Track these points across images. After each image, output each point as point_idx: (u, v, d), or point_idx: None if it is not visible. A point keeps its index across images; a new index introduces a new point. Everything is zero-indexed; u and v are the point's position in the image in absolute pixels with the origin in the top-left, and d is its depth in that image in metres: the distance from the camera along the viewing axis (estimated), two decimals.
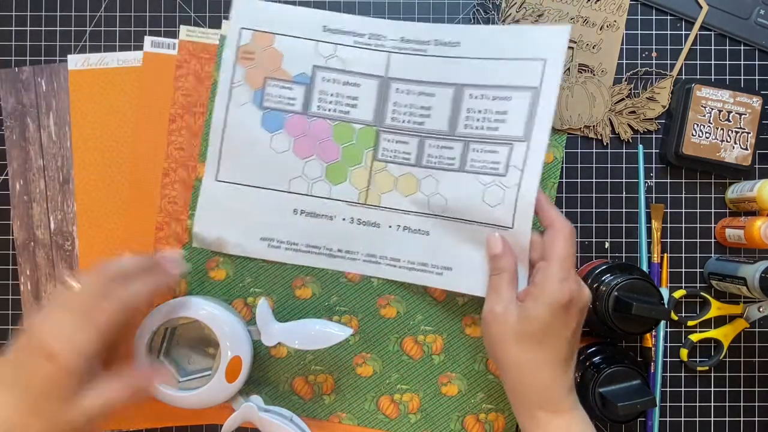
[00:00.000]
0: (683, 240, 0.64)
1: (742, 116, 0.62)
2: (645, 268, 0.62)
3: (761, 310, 0.62)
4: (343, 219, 0.61)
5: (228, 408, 0.58)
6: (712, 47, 0.64)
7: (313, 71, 0.61)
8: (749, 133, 0.62)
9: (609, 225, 0.64)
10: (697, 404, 0.64)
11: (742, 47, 0.64)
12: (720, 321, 0.64)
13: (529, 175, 0.56)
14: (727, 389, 0.64)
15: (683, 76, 0.64)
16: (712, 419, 0.64)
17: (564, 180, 0.64)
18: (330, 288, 0.63)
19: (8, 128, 0.63)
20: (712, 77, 0.64)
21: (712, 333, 0.63)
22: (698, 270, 0.64)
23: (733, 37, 0.64)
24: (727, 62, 0.64)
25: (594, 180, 0.64)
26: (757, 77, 0.64)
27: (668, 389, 0.64)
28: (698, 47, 0.64)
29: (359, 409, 0.63)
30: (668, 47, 0.64)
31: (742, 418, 0.64)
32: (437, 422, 0.63)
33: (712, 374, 0.64)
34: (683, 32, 0.64)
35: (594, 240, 0.64)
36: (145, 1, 0.64)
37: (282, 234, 0.62)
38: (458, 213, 0.59)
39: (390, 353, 0.63)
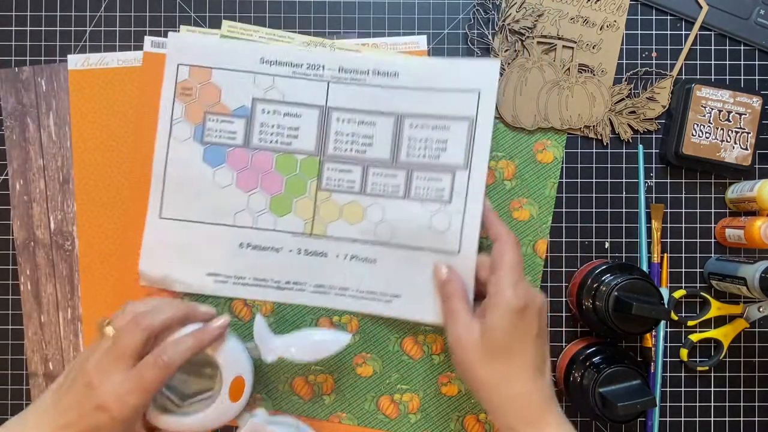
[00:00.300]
0: (683, 240, 0.64)
1: (742, 116, 0.62)
2: (645, 268, 0.62)
3: (761, 310, 0.62)
4: (290, 250, 0.61)
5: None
6: (712, 47, 0.64)
7: (252, 104, 0.61)
8: (749, 133, 0.62)
9: (609, 225, 0.64)
10: (697, 404, 0.64)
11: (742, 47, 0.64)
12: (720, 321, 0.64)
13: (472, 201, 0.58)
14: (727, 389, 0.64)
15: (683, 76, 0.64)
16: (712, 419, 0.64)
17: (564, 180, 0.64)
18: None
19: (8, 128, 0.63)
20: (712, 77, 0.64)
21: (712, 333, 0.63)
22: (698, 270, 0.64)
23: (733, 37, 0.64)
24: (727, 62, 0.64)
25: (594, 180, 0.64)
26: (757, 77, 0.64)
27: (668, 389, 0.64)
28: (698, 47, 0.64)
29: (359, 409, 0.63)
30: (668, 47, 0.64)
31: (742, 418, 0.64)
32: (437, 422, 0.63)
33: (712, 374, 0.64)
34: (683, 32, 0.64)
35: (594, 240, 0.64)
36: (145, 1, 0.64)
37: (229, 269, 0.62)
38: (406, 240, 0.60)
39: (390, 353, 0.63)
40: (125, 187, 0.63)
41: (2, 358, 0.63)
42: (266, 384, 0.63)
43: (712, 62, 0.64)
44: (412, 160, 0.60)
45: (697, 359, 0.64)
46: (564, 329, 0.64)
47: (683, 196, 0.64)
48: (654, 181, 0.64)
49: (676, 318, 0.63)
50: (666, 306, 0.61)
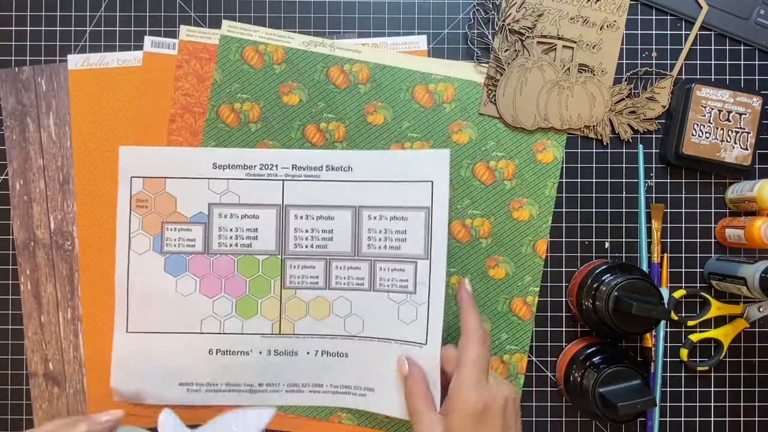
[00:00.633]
0: (683, 240, 0.64)
1: (742, 116, 0.62)
2: (645, 268, 0.62)
3: (761, 310, 0.62)
4: (260, 352, 0.62)
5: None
6: (712, 47, 0.64)
7: (209, 209, 0.61)
8: (749, 133, 0.62)
9: (609, 225, 0.64)
10: (697, 404, 0.64)
11: (742, 47, 0.64)
12: (720, 321, 0.64)
13: (434, 292, 0.59)
14: (727, 389, 0.64)
15: (683, 76, 0.64)
16: (712, 419, 0.64)
17: (564, 180, 0.64)
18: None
19: (8, 128, 0.63)
20: (712, 77, 0.64)
21: (712, 333, 0.63)
22: (698, 270, 0.64)
23: (733, 37, 0.64)
24: (727, 62, 0.64)
25: (594, 180, 0.64)
26: (757, 77, 0.64)
27: (668, 389, 0.64)
28: (698, 47, 0.64)
29: (360, 413, 0.63)
30: (668, 47, 0.64)
31: (742, 418, 0.64)
32: None
33: (712, 374, 0.64)
34: (683, 32, 0.64)
35: (594, 240, 0.64)
36: (145, 1, 0.64)
37: (200, 377, 0.62)
38: (375, 332, 0.61)
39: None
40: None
41: (2, 358, 0.63)
42: None
43: (712, 62, 0.64)
44: (374, 252, 0.61)
45: (697, 359, 0.64)
46: (564, 329, 0.64)
47: (683, 196, 0.64)
48: (654, 181, 0.64)
49: (676, 318, 0.63)
50: (666, 306, 0.61)
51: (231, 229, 0.62)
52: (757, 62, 0.64)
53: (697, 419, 0.64)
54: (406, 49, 0.64)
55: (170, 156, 0.62)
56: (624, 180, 0.64)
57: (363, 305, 0.61)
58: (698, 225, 0.64)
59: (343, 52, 0.63)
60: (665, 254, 0.64)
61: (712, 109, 0.61)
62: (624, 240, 0.64)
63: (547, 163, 0.63)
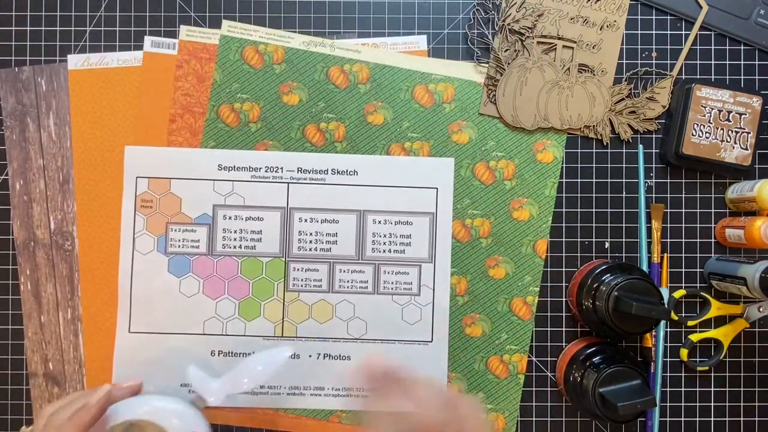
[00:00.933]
0: (683, 240, 0.64)
1: (742, 116, 0.62)
2: (645, 268, 0.62)
3: (761, 310, 0.62)
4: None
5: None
6: (712, 47, 0.64)
7: (213, 211, 0.62)
8: (749, 133, 0.62)
9: (609, 225, 0.64)
10: (697, 404, 0.64)
11: (742, 47, 0.64)
12: (720, 321, 0.64)
13: (440, 292, 0.61)
14: (727, 389, 0.64)
15: (683, 76, 0.64)
16: (712, 419, 0.64)
17: (564, 180, 0.64)
18: None
19: (8, 128, 0.63)
20: (712, 77, 0.64)
21: (712, 333, 0.63)
22: (698, 270, 0.64)
23: (733, 37, 0.64)
24: (727, 62, 0.64)
25: (594, 180, 0.64)
26: (757, 77, 0.64)
27: (668, 389, 0.64)
28: (698, 47, 0.64)
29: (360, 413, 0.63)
30: (668, 47, 0.64)
31: (742, 418, 0.64)
32: None
33: (712, 374, 0.64)
34: (683, 32, 0.64)
35: (594, 240, 0.64)
36: (145, 1, 0.64)
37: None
38: (378, 334, 0.61)
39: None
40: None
41: (2, 358, 0.63)
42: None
43: (712, 62, 0.64)
44: (378, 255, 0.62)
45: (697, 359, 0.64)
46: (564, 329, 0.64)
47: (683, 196, 0.64)
48: (654, 181, 0.64)
49: (676, 318, 0.63)
50: (666, 306, 0.61)
51: (235, 231, 0.62)
52: (757, 62, 0.64)
53: (697, 419, 0.63)
54: (406, 49, 0.64)
55: (176, 157, 0.62)
56: (624, 180, 0.64)
57: (367, 308, 0.61)
58: (698, 225, 0.64)
59: (343, 52, 0.63)
60: (665, 254, 0.64)
61: (712, 109, 0.61)
62: (624, 240, 0.64)
63: (547, 163, 0.63)
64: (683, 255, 0.64)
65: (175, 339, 0.62)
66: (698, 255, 0.64)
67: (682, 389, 0.64)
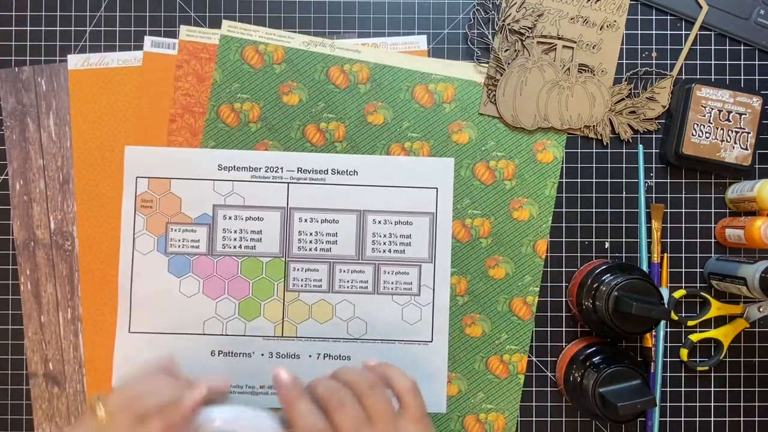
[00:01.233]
0: (683, 240, 0.64)
1: (742, 116, 0.62)
2: (645, 268, 0.62)
3: (761, 310, 0.62)
4: (262, 354, 0.62)
5: None
6: (712, 47, 0.64)
7: (213, 211, 0.62)
8: (749, 133, 0.62)
9: (609, 225, 0.64)
10: (697, 404, 0.64)
11: (742, 47, 0.64)
12: (720, 321, 0.64)
13: (440, 292, 0.62)
14: (727, 389, 0.64)
15: (683, 76, 0.64)
16: (712, 419, 0.64)
17: (564, 180, 0.64)
18: None
19: (8, 128, 0.63)
20: (712, 77, 0.64)
21: (712, 333, 0.63)
22: (698, 270, 0.64)
23: (733, 37, 0.64)
24: (727, 62, 0.64)
25: (594, 180, 0.64)
26: (757, 77, 0.64)
27: (668, 389, 0.64)
28: (698, 47, 0.64)
29: None
30: (668, 47, 0.64)
31: (742, 418, 0.64)
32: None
33: (712, 374, 0.64)
34: (683, 32, 0.64)
35: (594, 240, 0.64)
36: (145, 1, 0.64)
37: (202, 377, 0.61)
38: (379, 334, 0.62)
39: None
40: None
41: (2, 358, 0.63)
42: None
43: (712, 62, 0.64)
44: (378, 255, 0.62)
45: (697, 359, 0.64)
46: (564, 329, 0.64)
47: (683, 196, 0.64)
48: (654, 181, 0.64)
49: (676, 318, 0.63)
50: (666, 306, 0.61)
51: (235, 231, 0.62)
52: (757, 62, 0.64)
53: (697, 419, 0.63)
54: (406, 49, 0.64)
55: (176, 157, 0.62)
56: (624, 180, 0.64)
57: (367, 308, 0.62)
58: (698, 225, 0.64)
59: (343, 52, 0.63)
60: (665, 254, 0.64)
61: (712, 109, 0.61)
62: (624, 240, 0.64)
63: (547, 163, 0.63)
64: (683, 255, 0.64)
65: (175, 339, 0.62)
66: (698, 255, 0.64)
67: (682, 389, 0.64)
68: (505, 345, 0.63)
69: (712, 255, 0.64)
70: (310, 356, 0.62)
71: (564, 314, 0.64)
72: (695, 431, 0.64)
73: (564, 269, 0.64)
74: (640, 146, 0.63)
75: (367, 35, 0.64)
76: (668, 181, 0.64)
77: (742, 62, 0.64)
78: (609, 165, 0.64)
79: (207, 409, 0.49)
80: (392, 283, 0.62)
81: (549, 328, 0.64)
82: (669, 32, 0.64)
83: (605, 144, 0.64)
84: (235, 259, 0.62)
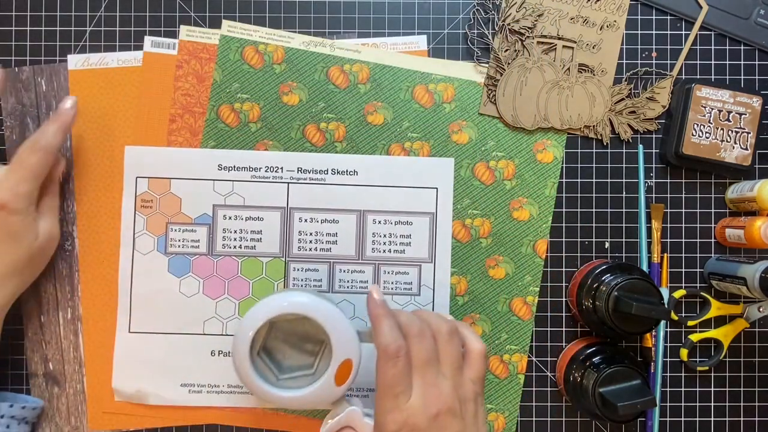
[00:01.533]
0: (683, 240, 0.64)
1: (742, 116, 0.62)
2: (645, 268, 0.62)
3: (761, 310, 0.62)
4: None
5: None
6: (712, 47, 0.64)
7: (213, 211, 0.62)
8: (749, 133, 0.62)
9: (609, 225, 0.64)
10: (697, 404, 0.64)
11: (742, 47, 0.64)
12: (720, 321, 0.64)
13: (440, 292, 0.62)
14: (727, 389, 0.64)
15: (683, 76, 0.64)
16: (712, 419, 0.64)
17: (564, 180, 0.64)
18: None
19: (8, 128, 0.63)
20: (712, 77, 0.64)
21: (712, 333, 0.63)
22: (698, 270, 0.64)
23: (733, 37, 0.64)
24: (727, 62, 0.64)
25: (594, 180, 0.64)
26: (757, 77, 0.64)
27: (668, 389, 0.64)
28: (698, 47, 0.64)
29: None
30: (668, 47, 0.64)
31: (742, 418, 0.64)
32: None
33: (712, 374, 0.64)
34: (683, 32, 0.64)
35: (594, 240, 0.64)
36: (145, 1, 0.64)
37: (202, 378, 0.62)
38: None
39: None
40: None
41: (2, 358, 0.63)
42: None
43: (712, 62, 0.64)
44: (378, 255, 0.62)
45: (697, 359, 0.64)
46: (564, 329, 0.64)
47: (683, 196, 0.64)
48: (654, 181, 0.64)
49: (676, 318, 0.63)
50: (666, 306, 0.61)
51: (235, 231, 0.62)
52: (757, 62, 0.64)
53: (697, 419, 0.64)
54: (406, 49, 0.64)
55: (176, 157, 0.62)
56: (624, 180, 0.64)
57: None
58: (698, 225, 0.64)
59: (343, 52, 0.63)
60: (665, 254, 0.64)
61: (712, 109, 0.61)
62: (624, 240, 0.64)
63: (547, 163, 0.63)
64: (683, 255, 0.64)
65: (175, 339, 0.62)
66: (698, 255, 0.64)
67: (682, 389, 0.64)
68: (505, 345, 0.63)
69: (712, 255, 0.64)
70: None
71: (564, 314, 0.64)
72: (695, 431, 0.64)
73: (564, 269, 0.64)
74: (640, 146, 0.63)
75: (367, 35, 0.64)
76: (668, 181, 0.64)
77: (742, 62, 0.64)
78: (609, 165, 0.64)
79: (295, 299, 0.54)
80: (392, 283, 0.62)
81: (549, 328, 0.64)
82: (669, 32, 0.64)
83: (605, 144, 0.64)
84: (235, 259, 0.62)
